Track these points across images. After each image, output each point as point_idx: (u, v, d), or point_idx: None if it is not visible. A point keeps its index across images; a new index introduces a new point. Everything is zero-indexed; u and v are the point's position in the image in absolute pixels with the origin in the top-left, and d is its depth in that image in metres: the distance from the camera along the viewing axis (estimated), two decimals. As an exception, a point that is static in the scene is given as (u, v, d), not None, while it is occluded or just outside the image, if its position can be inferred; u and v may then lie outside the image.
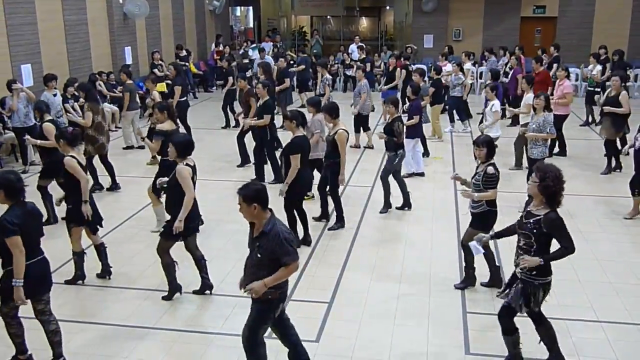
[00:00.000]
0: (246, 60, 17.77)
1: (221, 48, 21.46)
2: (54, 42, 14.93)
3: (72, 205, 6.94)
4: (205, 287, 6.91)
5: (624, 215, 9.18)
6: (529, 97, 10.72)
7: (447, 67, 15.53)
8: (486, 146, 6.62)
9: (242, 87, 12.26)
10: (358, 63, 18.84)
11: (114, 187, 10.60)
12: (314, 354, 5.75)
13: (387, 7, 29.98)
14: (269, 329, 5.17)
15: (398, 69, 15.50)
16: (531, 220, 5.18)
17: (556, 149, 12.46)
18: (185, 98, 13.77)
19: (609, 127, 11.26)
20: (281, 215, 7.44)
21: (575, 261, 7.64)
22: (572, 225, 8.84)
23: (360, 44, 21.65)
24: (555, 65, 15.88)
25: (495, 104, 10.91)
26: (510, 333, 5.40)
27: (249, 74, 16.93)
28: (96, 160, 10.44)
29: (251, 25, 29.81)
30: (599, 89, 15.26)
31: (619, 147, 11.46)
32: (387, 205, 9.44)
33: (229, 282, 6.92)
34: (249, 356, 5.08)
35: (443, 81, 14.44)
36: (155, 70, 17.50)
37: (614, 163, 11.41)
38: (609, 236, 8.54)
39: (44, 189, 8.98)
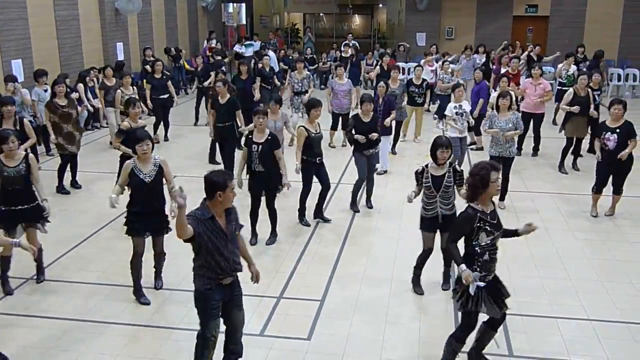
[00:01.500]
0: (219, 57, 17.74)
1: (214, 44, 21.40)
2: (44, 37, 14.84)
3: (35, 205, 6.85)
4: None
5: (605, 212, 9.25)
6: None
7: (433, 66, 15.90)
8: (451, 148, 6.70)
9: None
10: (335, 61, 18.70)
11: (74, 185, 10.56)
12: (305, 352, 5.75)
13: (380, 5, 29.99)
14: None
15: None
16: (498, 217, 5.25)
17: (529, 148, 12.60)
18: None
19: (579, 126, 11.25)
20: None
21: (565, 260, 7.72)
22: (563, 223, 8.93)
23: (353, 42, 21.56)
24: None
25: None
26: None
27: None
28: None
29: (244, 22, 29.72)
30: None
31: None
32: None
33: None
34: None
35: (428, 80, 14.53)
36: (147, 67, 17.41)
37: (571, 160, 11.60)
38: (599, 235, 8.58)
39: None
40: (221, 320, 5.08)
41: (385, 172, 11.23)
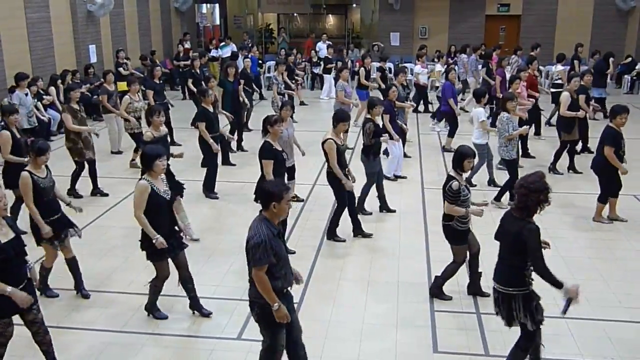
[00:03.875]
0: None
1: (188, 46, 21.26)
2: (16, 40, 14.65)
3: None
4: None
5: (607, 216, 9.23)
6: None
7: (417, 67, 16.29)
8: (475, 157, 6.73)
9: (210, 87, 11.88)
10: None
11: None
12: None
13: (354, 5, 30.05)
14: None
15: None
16: None
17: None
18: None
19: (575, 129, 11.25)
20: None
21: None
22: (541, 221, 9.02)
23: (328, 42, 21.54)
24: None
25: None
26: None
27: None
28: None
29: (217, 22, 29.61)
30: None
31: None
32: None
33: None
34: None
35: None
36: (120, 69, 17.27)
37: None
38: (573, 232, 8.72)
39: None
40: None
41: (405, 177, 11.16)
